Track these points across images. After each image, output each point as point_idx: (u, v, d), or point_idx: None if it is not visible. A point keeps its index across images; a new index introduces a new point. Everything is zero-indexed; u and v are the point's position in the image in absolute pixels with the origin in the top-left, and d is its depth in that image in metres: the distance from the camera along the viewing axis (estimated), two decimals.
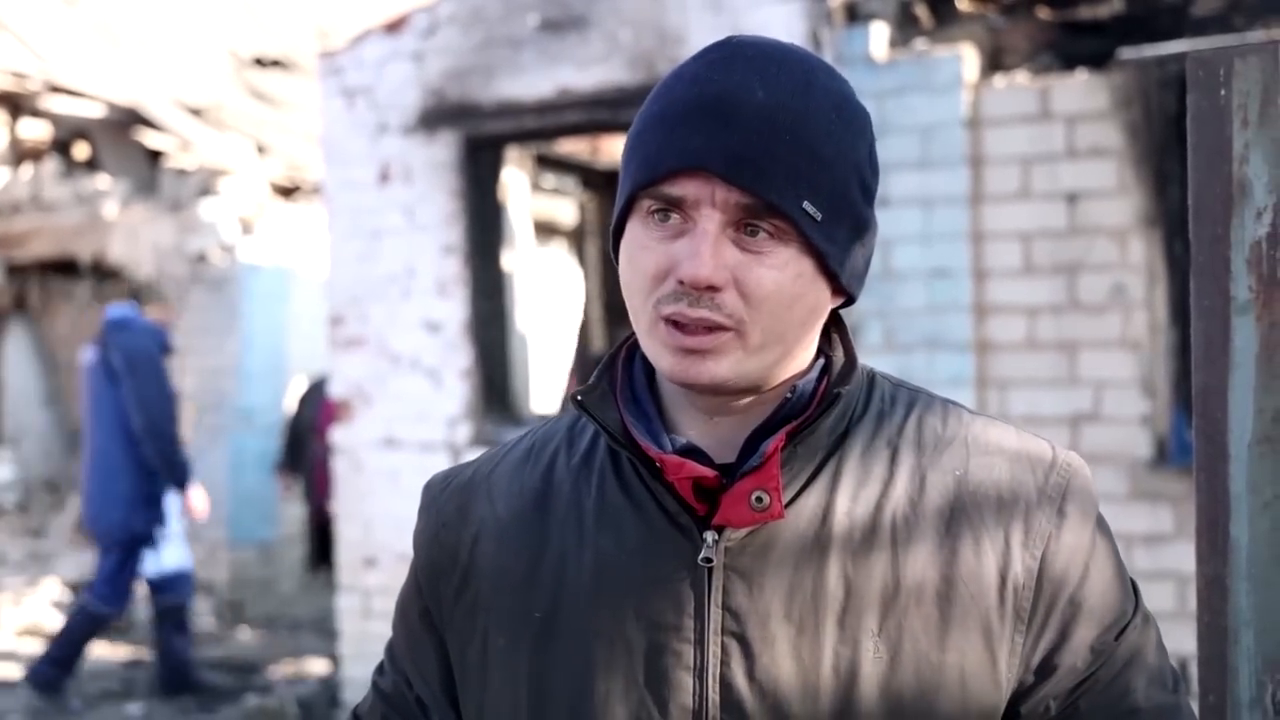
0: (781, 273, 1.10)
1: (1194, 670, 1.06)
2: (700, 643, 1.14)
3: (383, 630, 5.83)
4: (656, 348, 1.14)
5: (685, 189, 1.10)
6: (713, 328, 1.11)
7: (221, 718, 6.93)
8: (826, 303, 1.16)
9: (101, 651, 8.63)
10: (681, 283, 1.10)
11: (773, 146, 1.08)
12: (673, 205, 1.11)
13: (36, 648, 8.23)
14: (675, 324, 1.11)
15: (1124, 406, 4.94)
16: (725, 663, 1.13)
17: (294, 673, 8.03)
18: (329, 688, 7.07)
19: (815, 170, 1.10)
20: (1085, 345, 4.99)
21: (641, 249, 1.14)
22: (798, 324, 1.14)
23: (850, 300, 1.20)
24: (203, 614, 9.75)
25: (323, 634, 8.48)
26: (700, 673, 1.14)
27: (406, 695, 1.32)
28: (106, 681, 7.88)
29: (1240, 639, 1.01)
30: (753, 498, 1.11)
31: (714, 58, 1.14)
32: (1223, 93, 1.00)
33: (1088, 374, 4.99)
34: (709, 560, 1.13)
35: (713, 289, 1.09)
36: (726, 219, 1.10)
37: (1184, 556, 4.64)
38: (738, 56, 1.13)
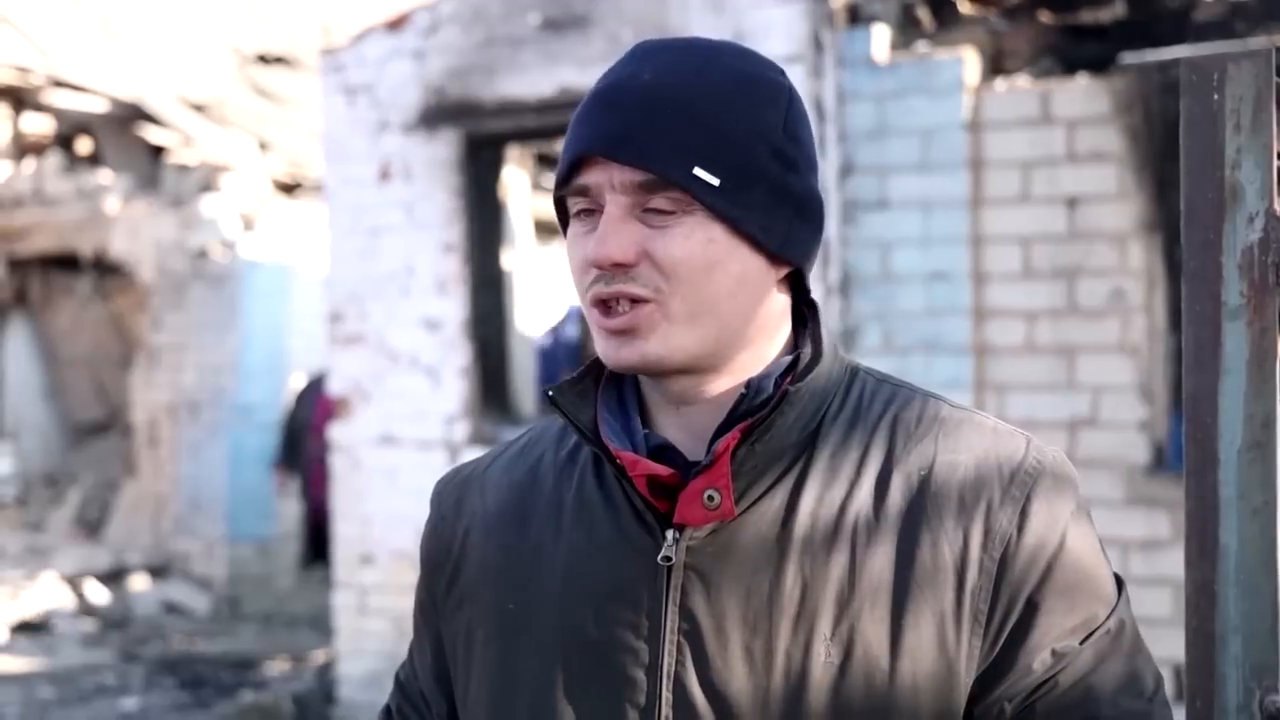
0: (690, 240, 1.12)
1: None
2: (656, 641, 1.14)
3: (378, 628, 5.84)
4: (597, 340, 1.17)
5: (588, 178, 1.14)
6: (634, 300, 1.12)
7: (217, 713, 6.94)
8: (761, 272, 1.16)
9: (97, 646, 8.65)
10: (594, 266, 1.13)
11: (654, 122, 1.11)
12: (587, 199, 1.15)
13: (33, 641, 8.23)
14: (602, 305, 1.14)
15: (1122, 411, 4.94)
16: (679, 662, 1.13)
17: (290, 669, 8.04)
18: (325, 684, 7.07)
19: (706, 139, 1.12)
20: (1084, 350, 4.99)
21: (569, 247, 1.18)
22: (726, 294, 1.13)
23: (799, 271, 1.20)
24: (200, 609, 9.77)
25: (319, 630, 8.48)
26: (654, 671, 1.14)
27: (415, 687, 1.34)
28: (102, 676, 7.89)
29: (1228, 645, 1.01)
30: (705, 496, 1.12)
31: (621, 59, 1.18)
32: (1215, 97, 1.00)
33: (1086, 379, 4.99)
34: (668, 559, 1.14)
35: (620, 266, 1.12)
36: (630, 200, 1.13)
37: (1180, 563, 4.63)
38: (638, 52, 1.18)
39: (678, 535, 1.14)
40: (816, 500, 1.14)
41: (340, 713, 6.64)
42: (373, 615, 6.53)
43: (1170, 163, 4.83)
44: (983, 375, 5.14)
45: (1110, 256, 4.95)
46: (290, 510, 9.76)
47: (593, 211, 1.15)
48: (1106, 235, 4.96)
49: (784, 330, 1.21)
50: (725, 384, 1.17)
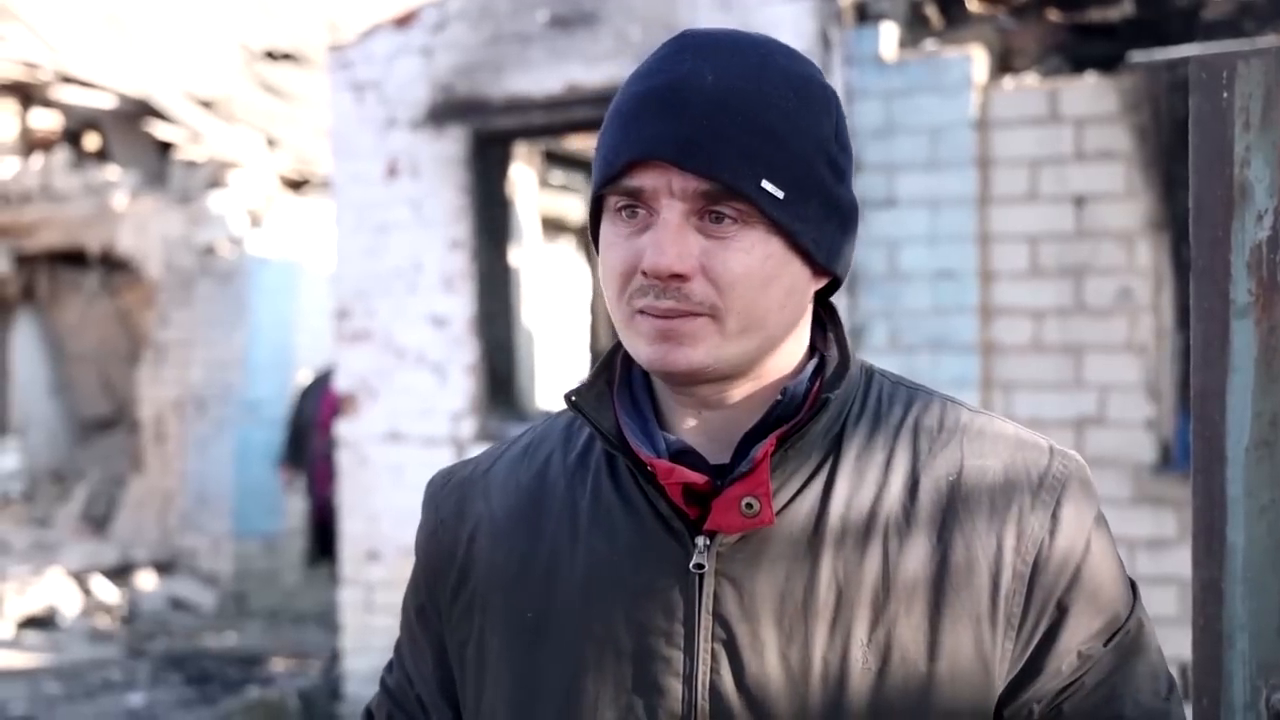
0: (749, 255, 1.09)
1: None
2: (690, 649, 1.12)
3: (385, 624, 5.83)
4: (634, 341, 1.13)
5: (643, 180, 1.09)
6: (685, 314, 1.09)
7: (223, 709, 6.94)
8: (806, 283, 1.14)
9: (104, 642, 8.66)
10: (646, 275, 1.09)
11: (724, 129, 1.07)
12: (636, 199, 1.11)
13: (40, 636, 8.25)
14: (648, 316, 1.11)
15: (1129, 410, 4.93)
16: (714, 670, 1.12)
17: (296, 665, 8.05)
18: (330, 681, 7.08)
19: (772, 149, 1.09)
20: (1091, 348, 4.99)
21: (610, 247, 1.13)
22: (776, 306, 1.12)
23: (835, 281, 1.18)
24: (206, 605, 9.78)
25: (325, 627, 8.49)
26: (689, 680, 1.12)
27: (409, 693, 1.30)
28: (108, 671, 7.90)
29: (1235, 643, 1.01)
30: (743, 504, 1.10)
31: (667, 51, 1.14)
32: (1225, 95, 1.00)
33: (1093, 377, 4.99)
34: (700, 567, 1.12)
35: (677, 278, 1.08)
36: (689, 207, 1.09)
37: (1187, 562, 4.62)
38: (689, 47, 1.14)
39: (708, 542, 1.12)
40: (845, 503, 1.13)
41: (346, 709, 6.65)
42: (379, 612, 6.54)
43: (1178, 161, 4.83)
44: (989, 374, 5.13)
45: (1118, 255, 4.94)
46: (297, 506, 9.77)
47: (636, 212, 1.11)
48: (1114, 234, 4.95)
49: (807, 334, 1.19)
50: (750, 388, 1.15)
